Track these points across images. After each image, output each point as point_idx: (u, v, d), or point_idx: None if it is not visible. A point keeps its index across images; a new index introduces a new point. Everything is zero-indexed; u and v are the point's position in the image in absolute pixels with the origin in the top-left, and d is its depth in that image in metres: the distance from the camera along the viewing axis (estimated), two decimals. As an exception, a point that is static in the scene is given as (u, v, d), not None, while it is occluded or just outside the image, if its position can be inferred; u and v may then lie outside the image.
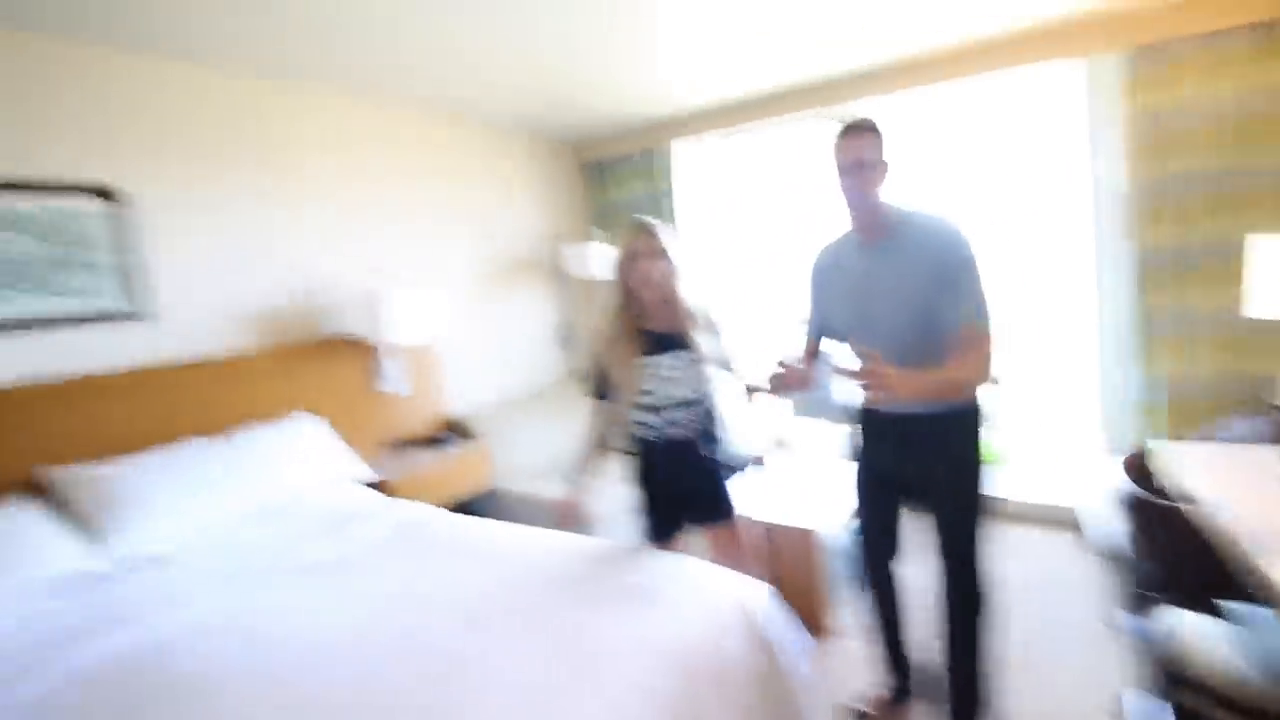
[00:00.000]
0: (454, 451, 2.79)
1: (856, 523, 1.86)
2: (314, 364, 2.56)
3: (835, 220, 1.68)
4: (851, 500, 1.83)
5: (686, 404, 1.73)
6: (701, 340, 1.74)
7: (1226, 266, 2.41)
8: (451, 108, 3.16)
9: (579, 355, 3.99)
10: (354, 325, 2.62)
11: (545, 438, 3.25)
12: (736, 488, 1.85)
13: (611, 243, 3.59)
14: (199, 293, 2.30)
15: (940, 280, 1.44)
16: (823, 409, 2.99)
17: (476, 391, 3.33)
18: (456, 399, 3.19)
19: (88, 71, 2.06)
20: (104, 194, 2.08)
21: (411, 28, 2.20)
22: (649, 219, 1.76)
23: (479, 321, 3.40)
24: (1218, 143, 2.41)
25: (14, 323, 1.90)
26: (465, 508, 2.51)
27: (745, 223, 3.94)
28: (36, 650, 1.40)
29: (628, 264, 1.73)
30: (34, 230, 1.94)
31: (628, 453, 1.83)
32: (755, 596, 1.52)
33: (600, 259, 3.57)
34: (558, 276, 3.90)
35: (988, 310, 1.42)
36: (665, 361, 1.72)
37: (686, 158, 3.73)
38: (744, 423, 1.96)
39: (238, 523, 1.96)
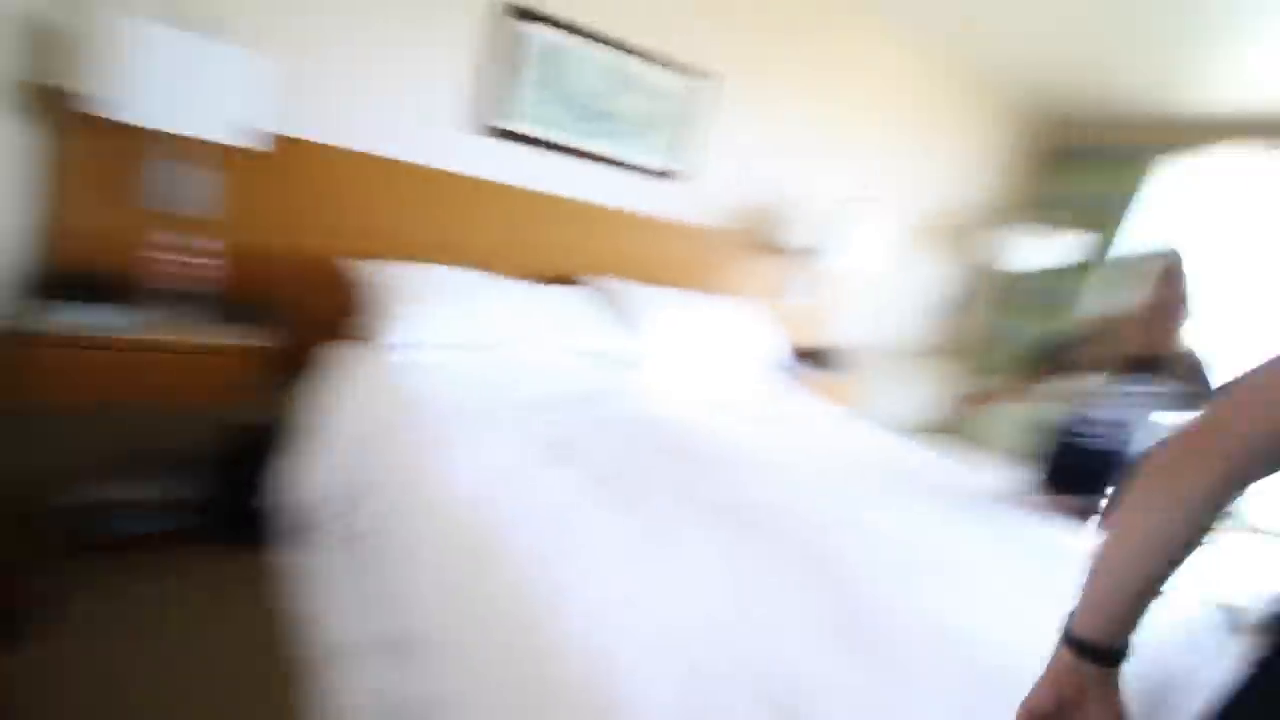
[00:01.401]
0: (826, 374, 3.02)
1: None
2: (753, 257, 2.99)
3: None
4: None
5: (1120, 425, 1.82)
6: (1174, 382, 1.72)
7: None
8: (919, 42, 3.06)
9: (947, 332, 3.93)
10: (800, 237, 2.94)
11: (905, 392, 3.49)
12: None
13: (1049, 235, 3.39)
14: (721, 170, 2.77)
15: None
16: None
17: (865, 328, 3.55)
18: (847, 328, 3.44)
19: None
20: (700, 74, 2.54)
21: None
22: (1178, 251, 1.72)
23: (893, 267, 3.50)
24: None
25: (608, 160, 2.46)
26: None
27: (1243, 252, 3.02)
28: (582, 395, 1.89)
29: (1156, 290, 1.73)
30: (648, 95, 2.46)
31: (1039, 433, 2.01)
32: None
33: (1029, 248, 3.39)
34: (967, 249, 3.80)
35: None
36: (1129, 387, 1.78)
37: (1181, 166, 3.20)
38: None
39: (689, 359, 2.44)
